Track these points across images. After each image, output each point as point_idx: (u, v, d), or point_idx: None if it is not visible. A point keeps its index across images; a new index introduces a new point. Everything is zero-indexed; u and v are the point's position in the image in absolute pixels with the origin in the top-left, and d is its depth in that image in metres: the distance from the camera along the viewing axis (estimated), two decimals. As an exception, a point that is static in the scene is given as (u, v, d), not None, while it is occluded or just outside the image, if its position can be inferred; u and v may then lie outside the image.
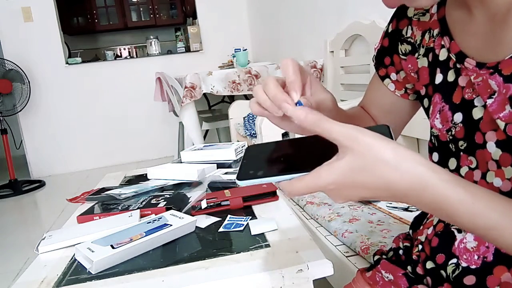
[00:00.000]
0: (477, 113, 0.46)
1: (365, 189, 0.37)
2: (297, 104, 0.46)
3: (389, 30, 0.62)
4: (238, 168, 0.44)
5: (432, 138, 0.54)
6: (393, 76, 0.63)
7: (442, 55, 0.51)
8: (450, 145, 0.51)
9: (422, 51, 0.55)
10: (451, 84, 0.49)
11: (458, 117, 0.48)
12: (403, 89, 0.63)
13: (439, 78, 0.51)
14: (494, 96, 0.43)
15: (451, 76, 0.50)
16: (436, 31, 0.52)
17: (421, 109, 0.61)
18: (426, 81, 0.55)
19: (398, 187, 0.36)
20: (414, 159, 0.36)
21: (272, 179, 0.42)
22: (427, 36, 0.54)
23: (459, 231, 0.49)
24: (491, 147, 0.44)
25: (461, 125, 0.48)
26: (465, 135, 0.48)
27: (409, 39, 0.58)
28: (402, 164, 0.36)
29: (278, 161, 0.45)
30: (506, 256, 0.44)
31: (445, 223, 0.52)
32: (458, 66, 0.48)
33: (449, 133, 0.50)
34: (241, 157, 1.19)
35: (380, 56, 0.64)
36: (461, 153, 0.49)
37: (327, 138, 0.38)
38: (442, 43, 0.51)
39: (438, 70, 0.51)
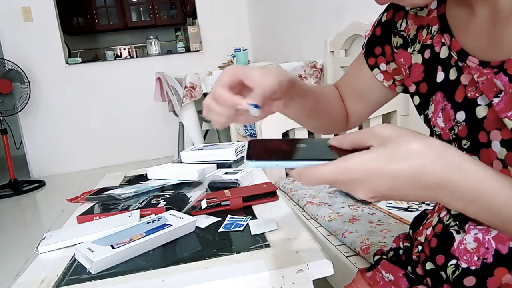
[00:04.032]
0: (480, 112, 0.45)
1: (394, 180, 0.35)
2: (254, 106, 0.50)
3: (383, 19, 0.61)
4: (245, 151, 0.41)
5: (435, 137, 0.54)
6: (383, 66, 0.63)
7: (443, 52, 0.50)
8: (453, 144, 0.50)
9: (417, 47, 0.55)
10: (453, 82, 0.49)
11: (461, 115, 0.48)
12: (392, 80, 0.63)
13: (440, 76, 0.51)
14: (500, 95, 0.42)
15: (453, 74, 0.49)
16: (435, 28, 0.52)
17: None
18: (418, 78, 0.55)
19: (431, 172, 0.35)
20: (443, 144, 0.36)
21: (290, 164, 0.38)
22: (424, 32, 0.54)
23: (458, 232, 0.49)
24: (496, 146, 0.44)
25: (464, 123, 0.47)
26: (468, 134, 0.47)
27: (402, 33, 0.58)
28: (433, 148, 0.35)
29: (291, 149, 0.42)
30: (506, 258, 0.44)
31: (444, 223, 0.52)
32: (460, 64, 0.48)
33: (452, 132, 0.49)
34: (241, 156, 1.19)
35: (371, 44, 0.64)
36: (465, 152, 0.49)
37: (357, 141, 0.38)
38: (442, 40, 0.50)
39: (439, 68, 0.51)
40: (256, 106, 0.50)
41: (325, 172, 0.37)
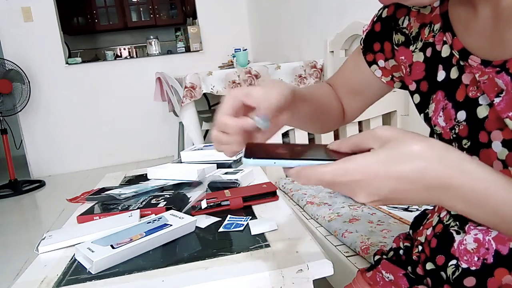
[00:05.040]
0: (481, 112, 0.45)
1: (396, 182, 0.35)
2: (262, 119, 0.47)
3: (383, 15, 0.61)
4: (243, 151, 0.40)
5: (435, 136, 0.54)
6: (381, 62, 0.63)
7: (445, 51, 0.50)
8: (454, 144, 0.50)
9: (419, 45, 0.54)
10: (454, 82, 0.49)
11: (462, 115, 0.47)
12: (390, 76, 0.63)
13: (441, 75, 0.51)
14: (502, 95, 0.42)
15: (454, 73, 0.49)
16: (437, 26, 0.52)
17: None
18: (419, 76, 0.54)
19: (433, 172, 0.34)
20: (444, 145, 0.36)
21: (288, 163, 0.38)
22: (426, 30, 0.53)
23: (458, 232, 0.49)
24: (497, 146, 0.44)
25: (465, 123, 0.47)
26: (468, 133, 0.47)
27: (403, 30, 0.57)
28: (435, 150, 0.35)
29: (289, 151, 0.41)
30: (506, 258, 0.44)
31: (444, 224, 0.52)
32: (461, 63, 0.48)
33: (453, 131, 0.49)
34: (241, 156, 1.19)
35: (369, 40, 0.64)
36: (465, 152, 0.48)
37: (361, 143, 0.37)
38: (444, 39, 0.50)
39: (441, 66, 0.51)
40: (263, 119, 0.48)
41: (325, 173, 0.36)
